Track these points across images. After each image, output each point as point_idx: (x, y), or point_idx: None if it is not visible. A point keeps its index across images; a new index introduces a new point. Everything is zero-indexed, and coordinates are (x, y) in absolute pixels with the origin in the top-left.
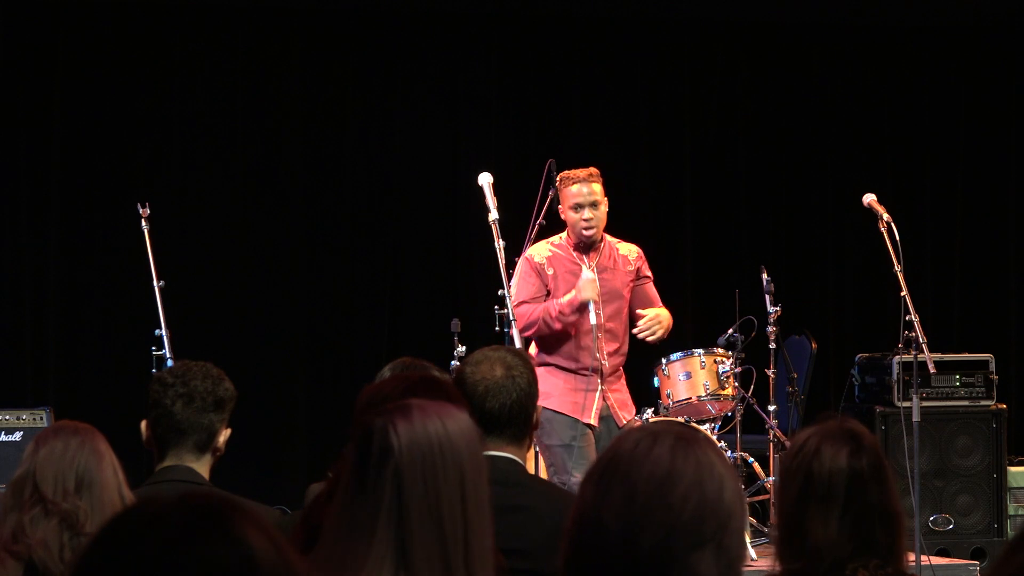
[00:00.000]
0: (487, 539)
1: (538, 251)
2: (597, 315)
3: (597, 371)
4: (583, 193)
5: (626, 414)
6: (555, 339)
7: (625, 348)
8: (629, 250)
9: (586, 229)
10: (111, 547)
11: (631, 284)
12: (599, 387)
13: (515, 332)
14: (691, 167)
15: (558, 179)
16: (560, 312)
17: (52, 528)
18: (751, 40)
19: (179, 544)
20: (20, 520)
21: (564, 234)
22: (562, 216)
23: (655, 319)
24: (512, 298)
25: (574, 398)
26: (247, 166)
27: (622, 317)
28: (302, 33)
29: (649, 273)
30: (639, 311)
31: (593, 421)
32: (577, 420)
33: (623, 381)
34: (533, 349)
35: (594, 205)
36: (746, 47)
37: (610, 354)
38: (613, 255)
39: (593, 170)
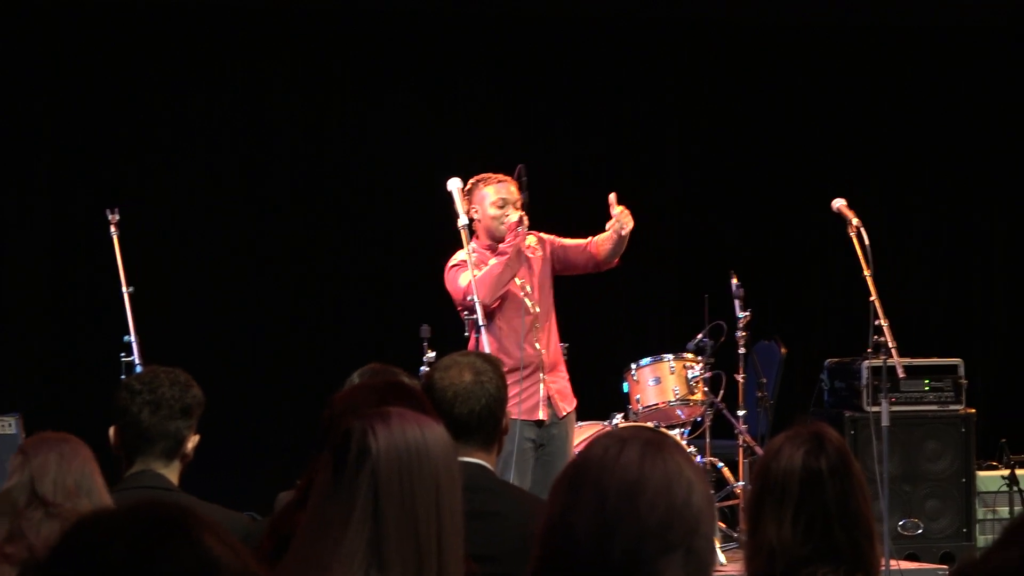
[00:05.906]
0: (460, 549)
1: (460, 255)
2: (531, 304)
3: (537, 362)
4: (505, 191)
5: (566, 405)
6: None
7: (557, 336)
8: (529, 241)
9: (507, 221)
10: (76, 554)
11: (551, 271)
12: (540, 378)
13: (484, 339)
14: (679, 170)
15: (468, 184)
16: (500, 252)
17: (55, 530)
18: (751, 40)
19: (144, 548)
20: (17, 525)
21: (472, 245)
22: (476, 217)
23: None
24: (459, 291)
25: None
26: (229, 169)
27: (551, 306)
28: (293, 34)
29: (551, 236)
30: (597, 242)
31: (542, 416)
32: (525, 422)
33: (563, 371)
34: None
35: (515, 204)
36: (746, 47)
37: (547, 343)
38: (526, 250)
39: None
